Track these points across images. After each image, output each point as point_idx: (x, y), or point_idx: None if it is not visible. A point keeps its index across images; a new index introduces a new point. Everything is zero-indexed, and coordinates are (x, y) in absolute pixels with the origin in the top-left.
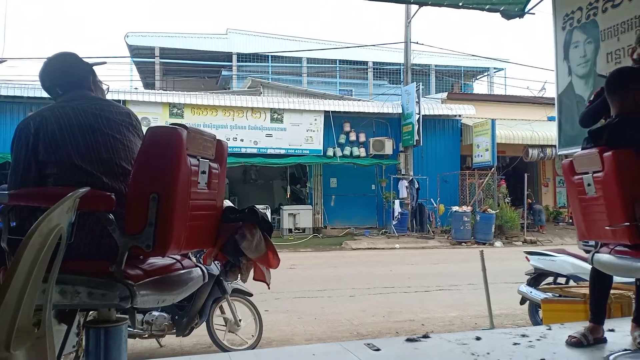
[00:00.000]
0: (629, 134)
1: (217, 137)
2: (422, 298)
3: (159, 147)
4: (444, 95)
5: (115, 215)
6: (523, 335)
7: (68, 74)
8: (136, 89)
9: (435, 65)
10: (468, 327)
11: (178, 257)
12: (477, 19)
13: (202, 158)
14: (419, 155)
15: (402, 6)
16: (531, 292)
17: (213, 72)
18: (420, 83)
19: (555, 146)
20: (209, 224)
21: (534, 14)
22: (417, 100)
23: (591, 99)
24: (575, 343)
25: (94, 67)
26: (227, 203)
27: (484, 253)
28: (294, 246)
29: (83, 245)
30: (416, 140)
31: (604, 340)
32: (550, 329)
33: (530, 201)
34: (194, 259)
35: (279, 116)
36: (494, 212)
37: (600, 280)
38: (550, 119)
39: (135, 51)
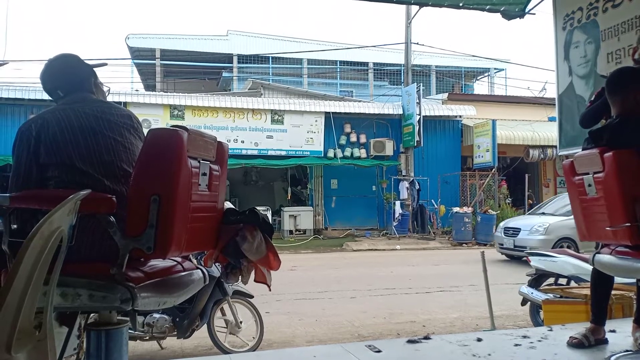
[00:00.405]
0: (629, 135)
1: (218, 139)
2: (423, 299)
3: (160, 149)
4: (445, 96)
5: (116, 217)
6: (524, 337)
7: (69, 75)
8: (137, 90)
9: (436, 66)
10: (469, 328)
11: (179, 259)
12: (478, 19)
13: (202, 160)
14: (420, 156)
15: (403, 7)
16: (532, 293)
17: (214, 74)
18: (421, 84)
19: (556, 147)
20: (209, 226)
21: (534, 14)
22: (417, 101)
23: (592, 99)
24: (576, 344)
25: (95, 69)
26: (228, 205)
27: (485, 254)
28: (294, 248)
29: (84, 248)
30: (417, 141)
31: (605, 341)
32: (551, 330)
33: (531, 202)
34: (194, 261)
35: (279, 117)
36: (494, 213)
37: (601, 281)
38: (551, 119)
39: (136, 53)
